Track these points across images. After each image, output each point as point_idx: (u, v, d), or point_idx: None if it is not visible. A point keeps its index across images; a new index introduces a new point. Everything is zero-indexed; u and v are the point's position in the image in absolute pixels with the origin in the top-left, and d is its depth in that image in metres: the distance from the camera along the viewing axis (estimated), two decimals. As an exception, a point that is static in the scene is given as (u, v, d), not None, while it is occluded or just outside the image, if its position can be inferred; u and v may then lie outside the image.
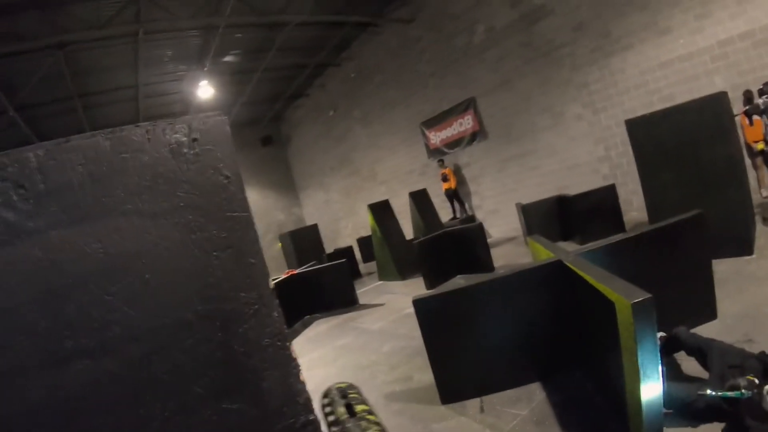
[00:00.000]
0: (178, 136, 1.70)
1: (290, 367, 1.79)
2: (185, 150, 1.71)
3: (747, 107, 9.18)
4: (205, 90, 19.10)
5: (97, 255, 1.54)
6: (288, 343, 1.80)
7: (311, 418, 1.80)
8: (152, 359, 1.57)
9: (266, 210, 28.31)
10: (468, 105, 16.89)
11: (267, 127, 29.47)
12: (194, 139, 1.73)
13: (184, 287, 1.65)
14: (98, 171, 1.56)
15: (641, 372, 3.19)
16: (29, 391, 1.42)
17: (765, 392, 3.16)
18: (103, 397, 1.50)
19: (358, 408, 2.02)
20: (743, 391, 3.28)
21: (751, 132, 9.39)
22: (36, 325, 1.44)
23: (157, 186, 1.65)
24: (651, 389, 3.23)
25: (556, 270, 4.79)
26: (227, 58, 18.09)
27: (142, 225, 1.61)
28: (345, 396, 2.44)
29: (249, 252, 1.79)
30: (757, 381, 3.31)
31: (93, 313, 1.51)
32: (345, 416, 2.08)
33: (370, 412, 2.04)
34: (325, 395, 2.93)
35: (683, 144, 6.95)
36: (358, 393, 2.26)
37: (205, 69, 17.69)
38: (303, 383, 1.82)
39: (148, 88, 18.41)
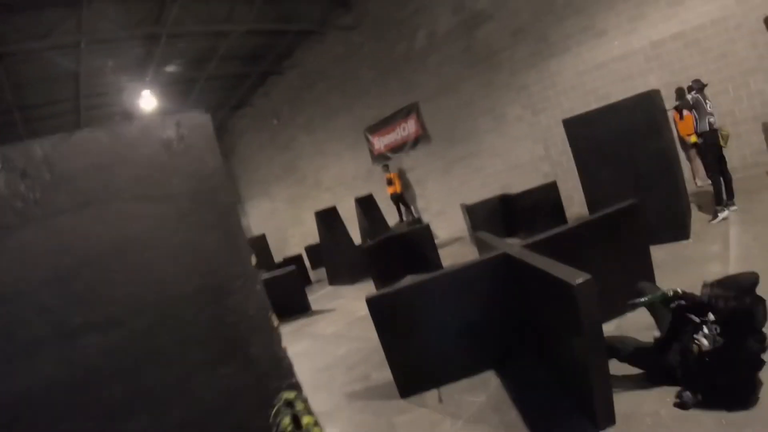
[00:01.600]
0: (168, 132, 1.88)
1: (273, 334, 1.96)
2: (175, 144, 1.89)
3: (678, 103, 9.65)
4: (147, 101, 18.75)
5: (101, 237, 1.68)
6: (270, 313, 1.96)
7: (294, 381, 1.97)
8: (155, 331, 1.73)
9: (211, 221, 27.77)
10: (411, 110, 17.17)
11: (210, 138, 29.08)
12: (182, 135, 1.90)
13: (181, 264, 1.82)
14: (100, 162, 1.71)
15: (588, 347, 3.42)
16: (43, 365, 1.55)
17: (700, 336, 3.43)
18: (112, 368, 1.64)
19: (305, 420, 2.13)
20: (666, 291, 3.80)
21: (682, 126, 9.93)
22: (47, 303, 1.57)
23: (153, 175, 1.81)
24: (599, 363, 3.47)
25: (503, 262, 5.02)
26: (170, 68, 17.85)
27: (141, 209, 1.77)
28: (291, 406, 2.53)
29: (234, 232, 1.98)
30: (681, 292, 3.72)
31: (99, 290, 1.65)
32: (290, 428, 2.19)
33: (316, 423, 2.15)
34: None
35: (619, 140, 7.33)
36: (305, 403, 2.35)
37: (147, 79, 17.42)
38: (284, 350, 1.98)
39: (89, 101, 17.98)
